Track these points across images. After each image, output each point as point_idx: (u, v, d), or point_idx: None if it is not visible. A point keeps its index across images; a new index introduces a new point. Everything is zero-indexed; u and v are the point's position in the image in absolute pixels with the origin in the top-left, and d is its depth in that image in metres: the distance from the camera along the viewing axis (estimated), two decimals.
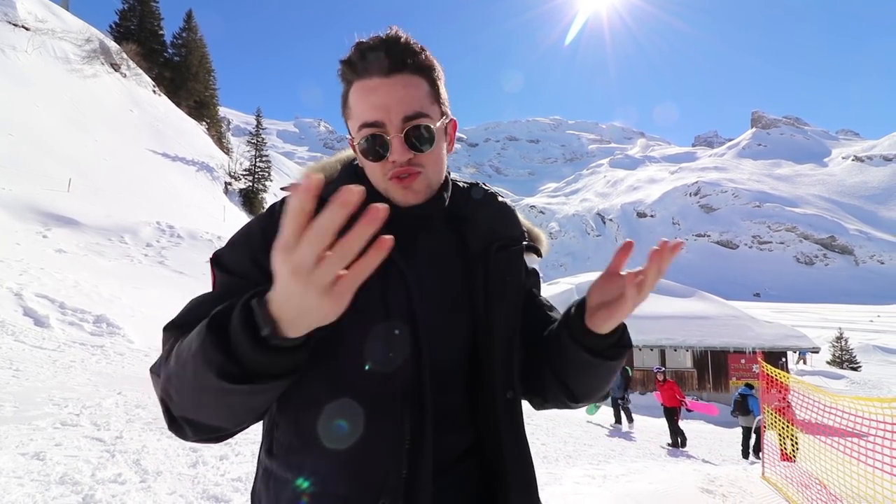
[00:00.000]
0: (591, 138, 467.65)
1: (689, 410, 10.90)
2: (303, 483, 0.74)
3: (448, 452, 0.80)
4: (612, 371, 0.84)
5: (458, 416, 0.83)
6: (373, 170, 0.82)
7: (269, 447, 0.80)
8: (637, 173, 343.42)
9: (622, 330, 0.82)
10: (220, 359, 0.56)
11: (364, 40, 0.79)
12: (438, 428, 0.77)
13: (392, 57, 0.77)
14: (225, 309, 0.58)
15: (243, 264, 0.78)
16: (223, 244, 0.85)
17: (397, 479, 0.72)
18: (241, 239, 0.82)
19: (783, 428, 5.67)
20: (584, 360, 0.81)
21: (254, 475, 0.85)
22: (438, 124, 0.82)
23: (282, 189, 0.88)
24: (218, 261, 0.81)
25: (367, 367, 0.75)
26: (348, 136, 0.87)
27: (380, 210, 0.47)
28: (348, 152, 0.97)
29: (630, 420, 11.53)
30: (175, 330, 0.72)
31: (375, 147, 0.79)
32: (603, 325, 0.78)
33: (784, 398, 5.68)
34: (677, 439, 10.07)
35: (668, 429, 10.41)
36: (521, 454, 0.85)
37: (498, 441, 0.82)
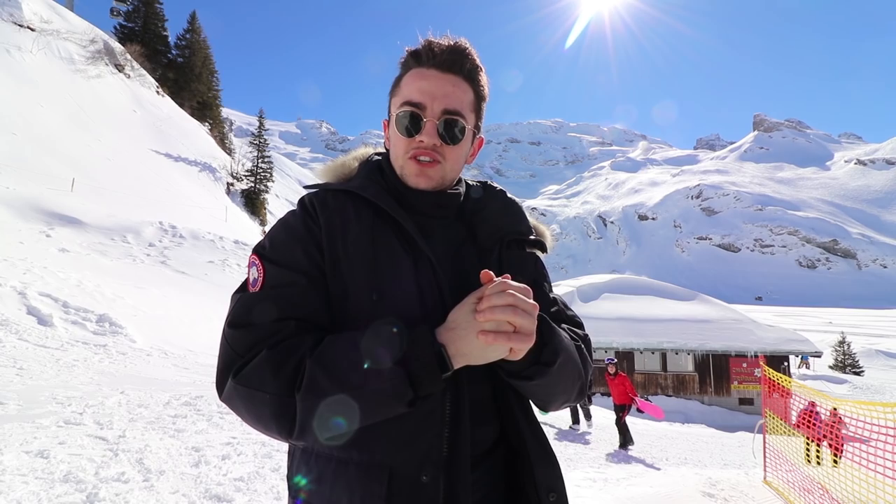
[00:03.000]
0: (593, 140, 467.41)
1: (639, 410, 9.77)
2: (351, 456, 0.78)
3: (481, 445, 0.85)
4: (544, 386, 0.83)
5: (486, 408, 0.87)
6: (398, 144, 0.89)
7: None
8: (638, 176, 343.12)
9: (538, 351, 0.79)
10: (411, 394, 0.71)
11: (438, 39, 0.88)
12: (473, 420, 0.81)
13: (454, 58, 0.87)
14: (409, 349, 0.72)
15: (295, 258, 0.82)
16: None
17: (438, 454, 0.77)
18: (284, 234, 0.86)
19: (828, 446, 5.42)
20: (512, 381, 0.84)
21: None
22: (469, 130, 0.89)
23: (304, 188, 0.94)
24: (266, 255, 0.83)
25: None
26: (385, 119, 0.95)
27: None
28: (362, 150, 1.04)
29: (588, 417, 10.49)
30: (242, 328, 0.77)
31: (410, 123, 0.86)
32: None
33: (835, 413, 5.42)
34: (624, 439, 8.99)
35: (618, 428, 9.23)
36: (537, 435, 0.90)
37: (517, 426, 0.88)
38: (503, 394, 0.88)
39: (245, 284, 0.84)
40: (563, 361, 0.82)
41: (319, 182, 0.96)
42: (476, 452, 0.83)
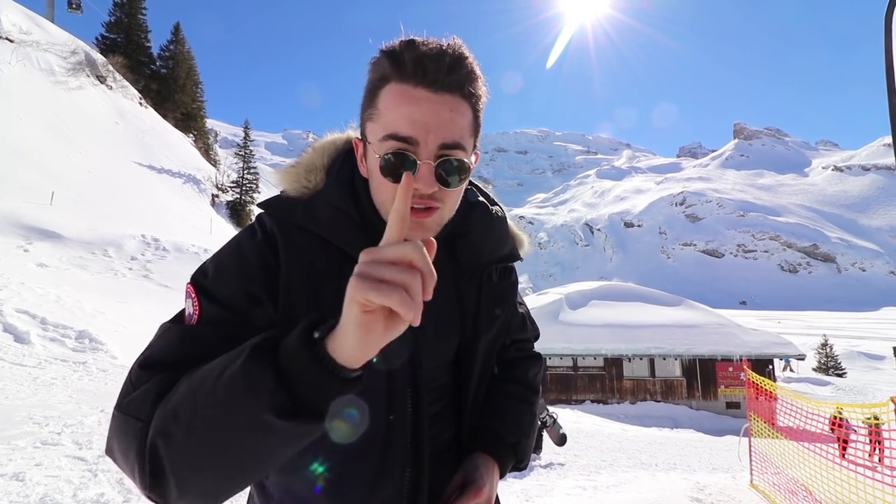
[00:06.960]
0: (578, 149, 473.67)
1: None
2: None
3: (439, 441, 0.85)
4: None
5: (445, 416, 0.88)
6: (384, 189, 0.70)
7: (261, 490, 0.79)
8: (624, 184, 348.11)
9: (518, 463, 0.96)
10: (269, 383, 0.49)
11: (424, 41, 0.67)
12: (430, 426, 0.80)
13: (451, 74, 0.66)
14: (270, 334, 0.54)
15: (235, 296, 0.68)
16: (208, 259, 0.75)
17: (399, 495, 0.75)
18: (232, 265, 0.72)
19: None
20: None
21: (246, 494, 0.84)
22: (469, 159, 0.71)
23: (258, 206, 0.80)
24: (203, 288, 0.69)
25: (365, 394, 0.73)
26: (355, 136, 0.77)
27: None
28: (324, 145, 0.83)
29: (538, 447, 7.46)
30: (153, 368, 0.62)
31: (400, 167, 0.65)
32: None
33: (877, 423, 5.42)
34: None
35: None
36: None
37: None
38: (466, 406, 0.88)
39: (180, 316, 0.71)
40: (529, 449, 0.98)
41: (279, 194, 0.80)
42: (433, 446, 0.80)
